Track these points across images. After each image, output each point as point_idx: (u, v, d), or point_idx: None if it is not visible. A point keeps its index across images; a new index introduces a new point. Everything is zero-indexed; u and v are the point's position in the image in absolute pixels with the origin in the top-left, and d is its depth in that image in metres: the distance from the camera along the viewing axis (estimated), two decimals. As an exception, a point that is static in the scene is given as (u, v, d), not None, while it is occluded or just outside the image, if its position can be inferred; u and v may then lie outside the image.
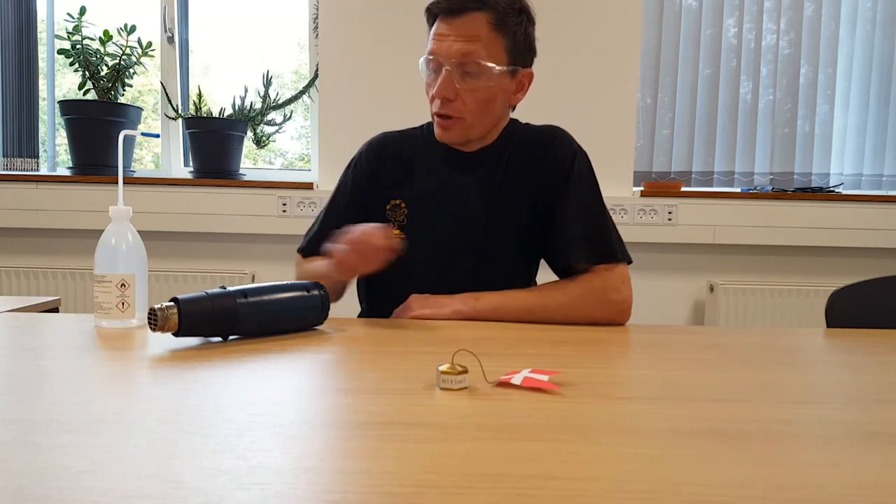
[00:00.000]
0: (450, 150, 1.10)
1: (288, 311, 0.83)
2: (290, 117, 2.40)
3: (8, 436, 0.45)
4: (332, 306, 1.17)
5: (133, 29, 2.24)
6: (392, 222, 1.08)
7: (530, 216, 1.07)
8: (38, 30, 2.31)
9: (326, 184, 2.15)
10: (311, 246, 1.12)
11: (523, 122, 1.14)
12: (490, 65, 0.98)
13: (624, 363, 0.76)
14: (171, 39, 2.37)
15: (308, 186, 2.17)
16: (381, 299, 1.13)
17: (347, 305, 1.29)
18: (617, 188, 2.14)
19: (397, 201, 1.09)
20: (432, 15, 1.02)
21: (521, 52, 1.03)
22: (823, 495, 0.38)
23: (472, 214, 1.07)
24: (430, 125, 1.16)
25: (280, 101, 2.36)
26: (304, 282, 0.86)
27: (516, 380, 0.60)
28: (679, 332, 0.94)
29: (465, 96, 1.00)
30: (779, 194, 2.21)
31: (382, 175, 1.11)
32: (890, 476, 0.41)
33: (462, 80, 0.99)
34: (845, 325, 1.13)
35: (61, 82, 2.45)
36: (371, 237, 0.89)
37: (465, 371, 0.59)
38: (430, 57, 1.00)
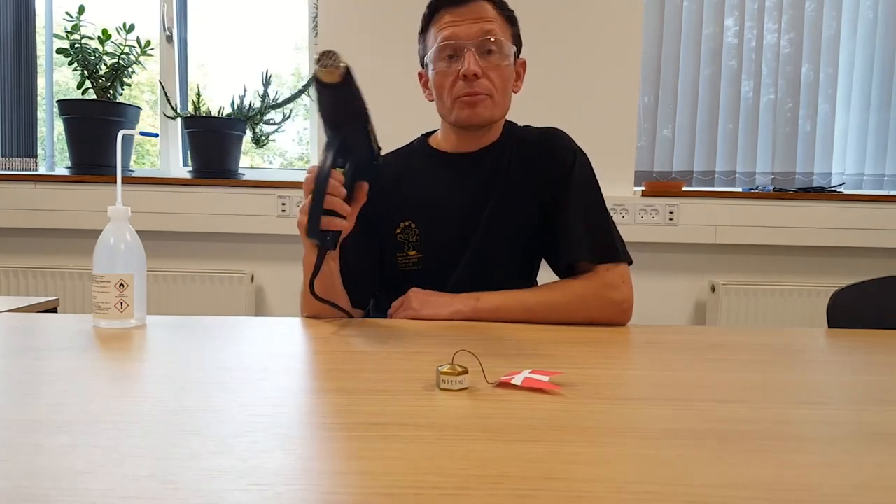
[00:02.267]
0: (449, 155, 1.10)
1: None
2: (289, 117, 2.40)
3: (6, 436, 0.45)
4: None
5: (132, 28, 2.24)
6: (406, 245, 1.07)
7: (531, 216, 1.07)
8: (37, 29, 2.31)
9: (326, 183, 2.15)
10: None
11: (522, 123, 1.14)
12: (507, 42, 1.01)
13: (625, 363, 0.76)
14: (169, 38, 2.36)
15: (308, 186, 2.16)
16: (382, 301, 1.13)
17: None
18: (618, 188, 2.14)
19: (407, 223, 1.07)
20: (432, 11, 1.03)
21: (519, 41, 1.07)
22: (824, 496, 0.38)
23: (474, 216, 1.07)
24: (420, 140, 1.16)
25: (279, 101, 2.36)
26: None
27: (517, 380, 0.60)
28: (680, 333, 0.93)
29: (490, 73, 1.00)
30: (780, 194, 2.20)
31: (382, 201, 1.07)
32: (891, 477, 0.41)
33: (483, 59, 1.00)
34: (847, 326, 1.13)
35: (56, 76, 2.45)
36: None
37: (465, 371, 0.59)
38: (445, 43, 1.00)
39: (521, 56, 1.09)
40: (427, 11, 1.04)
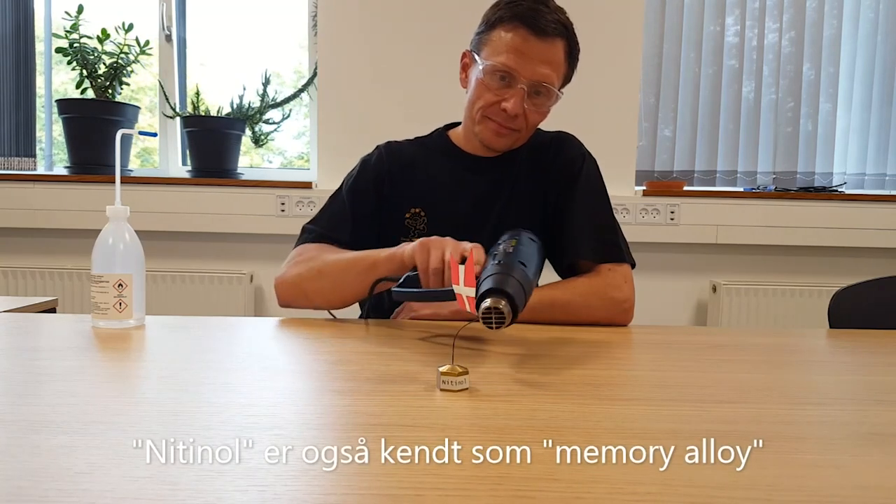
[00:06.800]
0: (465, 155, 1.11)
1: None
2: (288, 115, 2.39)
3: (5, 437, 0.45)
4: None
5: (131, 27, 2.23)
6: (412, 231, 1.08)
7: (538, 218, 1.09)
8: (36, 28, 2.31)
9: (325, 183, 2.15)
10: (335, 234, 1.07)
11: None
12: (556, 90, 1.02)
13: (625, 364, 0.75)
14: (168, 38, 2.36)
15: (307, 186, 2.16)
16: (383, 301, 1.12)
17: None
18: (619, 187, 2.14)
19: (417, 210, 1.08)
20: (511, 16, 0.98)
21: (570, 77, 1.07)
22: (824, 496, 0.38)
23: (482, 213, 1.08)
24: (440, 133, 1.17)
25: (278, 100, 2.36)
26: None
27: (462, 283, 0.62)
28: (681, 333, 0.93)
29: (529, 114, 1.02)
30: (782, 194, 2.20)
31: (399, 182, 1.10)
32: (892, 477, 0.41)
33: (530, 99, 1.01)
34: (848, 326, 1.13)
35: (55, 78, 2.45)
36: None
37: (466, 372, 0.59)
38: (502, 70, 0.99)
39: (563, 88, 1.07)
40: (507, 11, 0.99)
